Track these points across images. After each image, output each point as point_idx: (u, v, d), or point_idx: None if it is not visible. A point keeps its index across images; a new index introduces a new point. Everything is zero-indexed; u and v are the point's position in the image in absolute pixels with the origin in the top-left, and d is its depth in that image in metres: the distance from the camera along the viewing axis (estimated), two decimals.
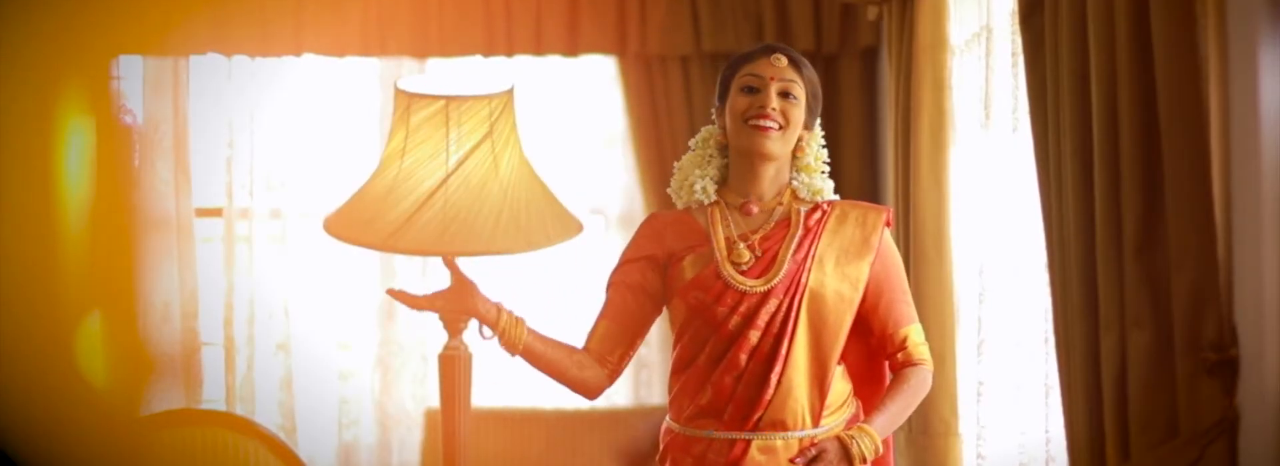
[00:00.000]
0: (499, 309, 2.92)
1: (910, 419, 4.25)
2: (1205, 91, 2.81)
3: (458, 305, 2.91)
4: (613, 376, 2.99)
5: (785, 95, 2.92)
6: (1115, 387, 3.02)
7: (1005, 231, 4.02)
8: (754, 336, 2.88)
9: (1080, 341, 3.15)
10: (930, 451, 4.28)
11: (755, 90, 2.92)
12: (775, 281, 2.89)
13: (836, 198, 3.02)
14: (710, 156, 3.01)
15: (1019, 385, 3.94)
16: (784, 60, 2.93)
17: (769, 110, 2.90)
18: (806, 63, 2.97)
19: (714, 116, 3.02)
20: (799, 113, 2.93)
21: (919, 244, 4.30)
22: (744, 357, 2.88)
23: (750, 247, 2.93)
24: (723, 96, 2.97)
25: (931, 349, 3.04)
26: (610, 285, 3.01)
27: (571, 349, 2.97)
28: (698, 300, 2.90)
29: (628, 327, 2.99)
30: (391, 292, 2.93)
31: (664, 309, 3.03)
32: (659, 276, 2.97)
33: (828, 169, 3.01)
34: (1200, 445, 2.79)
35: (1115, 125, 3.01)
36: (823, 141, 3.02)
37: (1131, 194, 2.95)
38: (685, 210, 3.02)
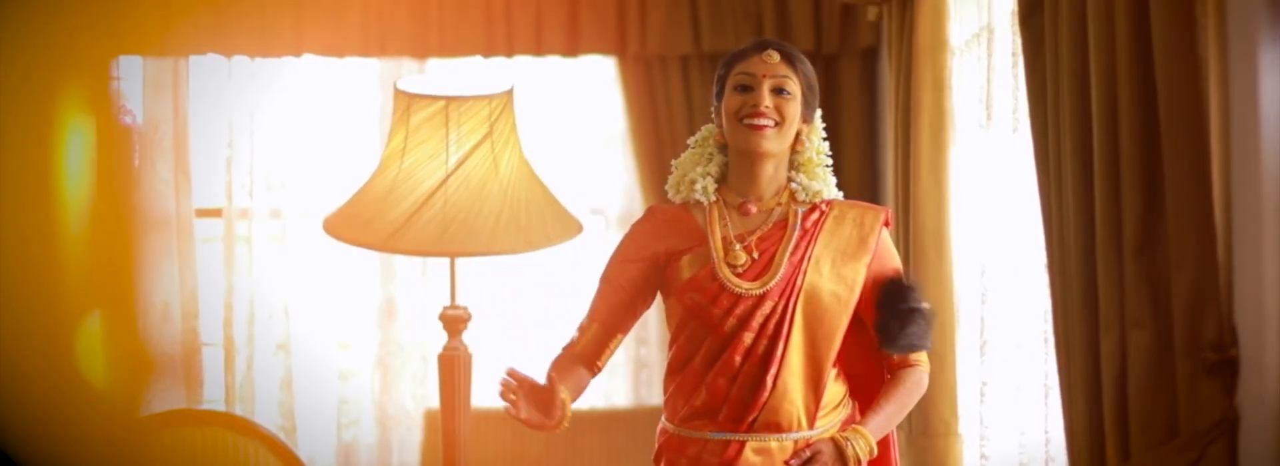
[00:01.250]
0: (564, 411, 2.83)
1: (911, 419, 4.26)
2: (1205, 91, 2.81)
3: (541, 424, 2.81)
4: (597, 372, 3.00)
5: (779, 91, 2.90)
6: (1115, 388, 3.02)
7: (1005, 232, 4.02)
8: (749, 338, 2.87)
9: (1080, 341, 3.15)
10: (930, 451, 4.28)
11: (749, 88, 2.90)
12: (771, 285, 2.88)
13: (840, 194, 3.00)
14: (710, 155, 2.99)
15: (1019, 385, 3.94)
16: (776, 56, 2.91)
17: (763, 108, 2.88)
18: (801, 56, 2.94)
19: (713, 115, 3.01)
20: (794, 108, 2.91)
21: (919, 244, 4.30)
22: (739, 359, 2.87)
23: (747, 249, 2.91)
24: (720, 95, 2.96)
25: (932, 349, 3.04)
26: (605, 280, 3.00)
27: (578, 379, 2.97)
28: (693, 301, 2.90)
29: (616, 327, 2.99)
30: (512, 393, 2.79)
31: (654, 302, 3.02)
32: (657, 276, 2.97)
33: (830, 161, 2.98)
34: (1200, 445, 2.79)
35: (1115, 125, 3.01)
36: (824, 134, 2.99)
37: (1131, 194, 2.95)
38: (683, 206, 3.00)
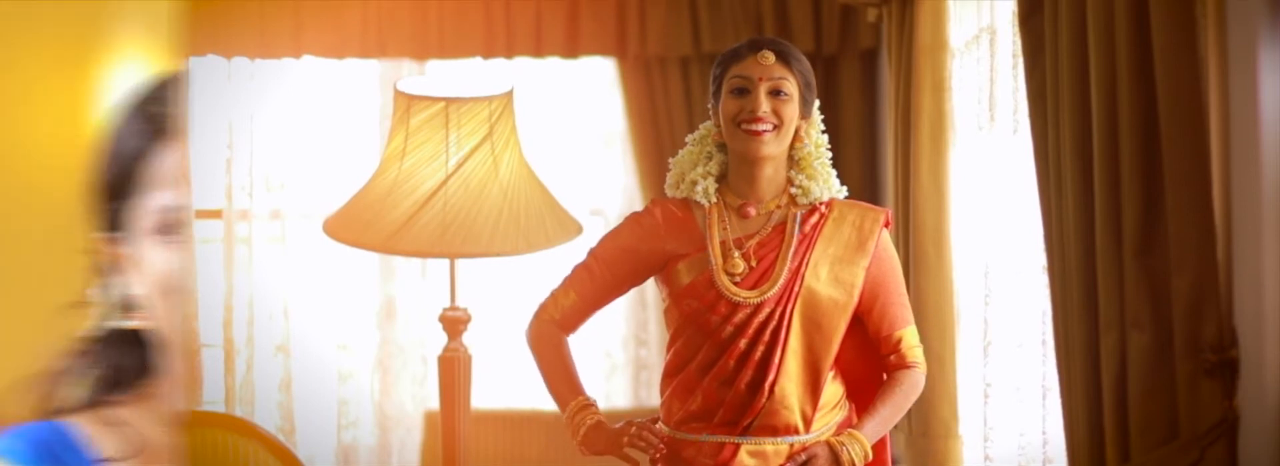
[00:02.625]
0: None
1: (911, 420, 4.25)
2: (1205, 91, 2.81)
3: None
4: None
5: (776, 93, 2.86)
6: (1115, 389, 3.02)
7: (1006, 233, 4.02)
8: (745, 344, 2.85)
9: (1080, 343, 3.15)
10: (930, 453, 4.28)
11: (745, 91, 2.86)
12: (770, 294, 2.85)
13: (844, 191, 2.97)
14: (709, 153, 2.96)
15: (1019, 386, 3.94)
16: (771, 57, 2.87)
17: (760, 113, 2.85)
18: (797, 53, 2.90)
19: (710, 114, 2.98)
20: (792, 109, 2.87)
21: (919, 245, 4.30)
22: (735, 365, 2.85)
23: (745, 256, 2.88)
24: (716, 94, 2.93)
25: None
26: (597, 257, 2.98)
27: (573, 358, 3.01)
28: (690, 308, 2.88)
29: (595, 305, 3.00)
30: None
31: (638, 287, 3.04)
32: (650, 271, 2.96)
33: (829, 155, 2.96)
34: (1200, 446, 2.78)
35: (1115, 125, 3.01)
36: (822, 127, 2.96)
37: (1131, 194, 2.95)
38: (685, 203, 2.97)
